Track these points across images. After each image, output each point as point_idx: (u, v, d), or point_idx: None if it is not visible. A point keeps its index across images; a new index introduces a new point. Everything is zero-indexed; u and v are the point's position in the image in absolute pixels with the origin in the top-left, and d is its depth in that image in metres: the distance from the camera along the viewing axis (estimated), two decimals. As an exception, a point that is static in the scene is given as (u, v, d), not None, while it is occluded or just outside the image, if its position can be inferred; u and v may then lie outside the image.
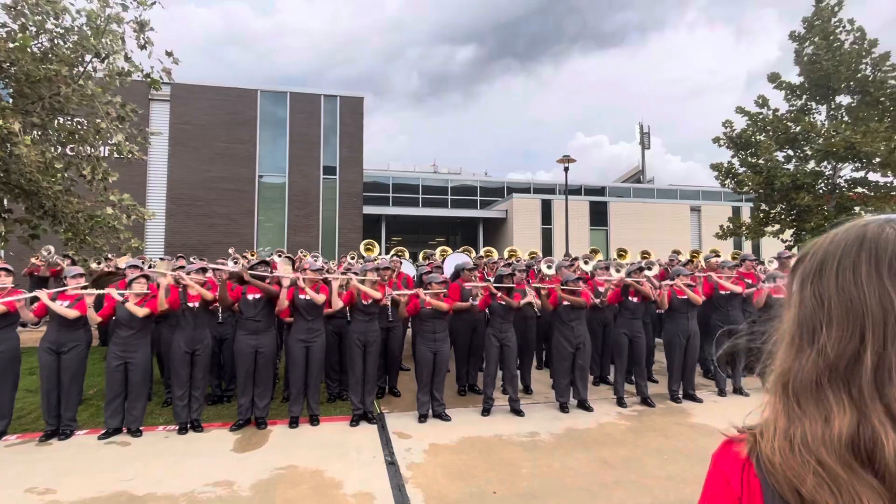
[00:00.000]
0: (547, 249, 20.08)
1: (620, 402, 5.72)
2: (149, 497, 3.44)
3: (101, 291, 4.73)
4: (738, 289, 6.31)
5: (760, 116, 12.47)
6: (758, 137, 12.27)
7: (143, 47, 7.29)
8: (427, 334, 5.20)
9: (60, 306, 4.53)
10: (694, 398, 5.92)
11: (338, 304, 5.07)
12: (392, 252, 9.48)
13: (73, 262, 8.08)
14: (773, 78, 12.54)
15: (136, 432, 4.63)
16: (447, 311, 5.26)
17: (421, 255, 9.93)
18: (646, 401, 5.77)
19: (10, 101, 6.92)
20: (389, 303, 5.50)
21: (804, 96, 12.25)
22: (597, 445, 4.51)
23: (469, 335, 6.19)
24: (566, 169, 16.80)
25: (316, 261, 7.78)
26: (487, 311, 5.64)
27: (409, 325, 6.55)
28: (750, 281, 6.56)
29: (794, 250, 11.93)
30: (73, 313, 4.54)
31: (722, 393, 6.17)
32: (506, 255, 10.47)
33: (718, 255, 8.13)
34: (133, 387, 4.63)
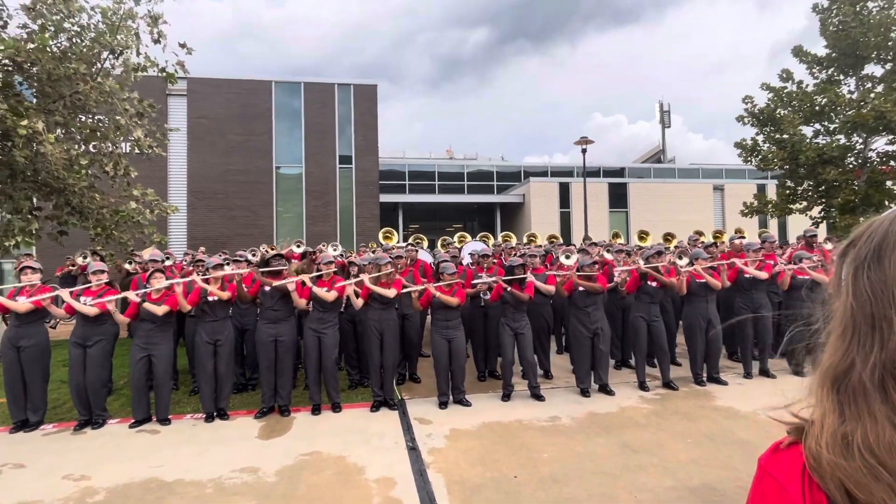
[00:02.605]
0: (566, 233, 19.86)
1: (642, 386, 5.66)
2: (178, 483, 3.54)
3: (120, 296, 4.82)
4: (763, 275, 6.13)
5: (785, 91, 12.02)
6: (781, 112, 11.84)
7: (157, 41, 7.35)
8: (440, 322, 5.20)
9: (82, 304, 4.66)
10: (718, 381, 5.82)
11: (358, 304, 5.11)
12: (410, 240, 9.48)
13: (101, 259, 8.29)
14: (798, 51, 12.05)
15: (164, 421, 4.76)
16: (459, 304, 5.24)
17: (439, 243, 9.91)
18: (668, 384, 5.70)
19: (34, 100, 7.07)
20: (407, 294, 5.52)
21: (831, 68, 11.75)
22: (619, 429, 4.48)
23: (481, 321, 6.18)
24: (584, 151, 16.52)
25: (335, 251, 7.84)
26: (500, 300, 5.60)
27: (429, 311, 6.57)
28: (771, 262, 6.39)
29: (822, 227, 11.56)
30: (92, 311, 4.65)
31: (748, 375, 6.05)
32: (524, 239, 10.39)
33: (744, 237, 7.89)
34: (158, 378, 4.76)
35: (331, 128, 17.98)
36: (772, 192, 16.05)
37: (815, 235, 7.03)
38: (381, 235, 9.98)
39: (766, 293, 6.36)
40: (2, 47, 5.98)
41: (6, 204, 7.50)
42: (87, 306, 4.65)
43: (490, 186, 25.23)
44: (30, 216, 7.55)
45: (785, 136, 11.74)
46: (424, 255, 7.85)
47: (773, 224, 20.95)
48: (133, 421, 4.74)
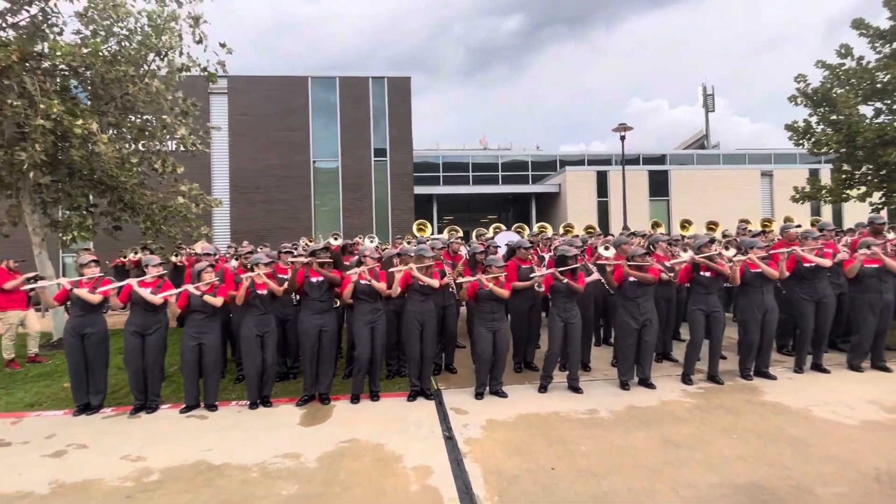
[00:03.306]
0: (603, 223, 19.44)
1: (686, 380, 5.49)
2: (225, 466, 3.69)
3: (178, 291, 5.03)
4: (826, 262, 5.78)
5: (843, 68, 11.26)
6: (837, 91, 11.11)
7: (199, 42, 7.60)
8: (485, 314, 5.17)
9: (147, 293, 4.92)
10: (767, 375, 5.58)
11: (396, 291, 5.16)
12: (448, 231, 9.48)
13: (152, 252, 8.72)
14: (858, 24, 11.24)
15: (211, 407, 4.97)
16: (507, 296, 5.20)
17: (474, 234, 9.88)
18: (714, 378, 5.51)
19: (88, 102, 7.46)
20: (454, 285, 5.52)
21: (894, 42, 10.91)
22: (660, 423, 4.37)
23: (526, 313, 6.12)
24: (622, 138, 16.07)
25: (373, 242, 7.93)
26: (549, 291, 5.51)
27: (464, 302, 6.57)
28: (832, 251, 6.03)
29: (883, 213, 10.83)
30: (158, 300, 4.91)
31: (799, 370, 5.76)
32: (561, 230, 10.22)
33: (799, 225, 7.47)
34: (207, 366, 4.96)
35: (366, 121, 18.18)
36: (826, 178, 15.17)
37: (885, 223, 6.56)
38: (414, 227, 10.03)
39: (829, 283, 5.96)
40: (59, 53, 6.32)
41: (65, 201, 7.99)
42: (152, 296, 4.91)
43: (525, 176, 24.95)
44: (86, 212, 8.01)
45: (841, 116, 11.02)
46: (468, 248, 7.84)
47: (826, 211, 19.83)
48: (183, 406, 4.97)
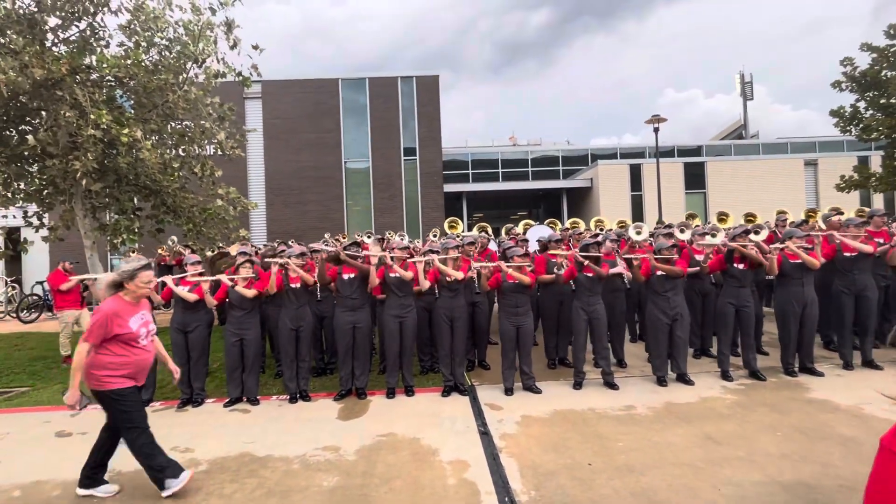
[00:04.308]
0: (637, 217, 19.02)
1: (725, 376, 5.35)
2: (268, 458, 3.83)
3: (214, 278, 5.26)
4: (867, 248, 5.49)
5: (892, 49, 10.69)
6: (887, 74, 10.55)
7: (233, 47, 7.84)
8: (509, 308, 5.18)
9: (183, 291, 5.12)
10: (813, 371, 5.37)
11: (425, 284, 5.20)
12: (475, 229, 9.50)
13: (192, 251, 9.07)
14: (910, 1, 10.64)
15: (254, 401, 5.16)
16: (529, 285, 5.18)
17: (504, 230, 9.85)
18: (755, 374, 5.34)
19: (132, 111, 7.80)
20: (476, 275, 5.50)
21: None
22: (699, 420, 4.28)
23: (556, 308, 6.08)
24: (656, 130, 15.68)
25: (403, 240, 8.03)
26: (573, 283, 5.48)
27: (496, 299, 6.58)
28: (882, 240, 5.72)
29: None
30: (192, 297, 5.11)
31: (847, 366, 5.52)
32: (592, 225, 10.08)
33: (842, 213, 7.15)
34: (248, 361, 5.15)
35: (395, 121, 18.34)
36: (876, 165, 14.40)
37: None
38: (446, 225, 10.08)
39: (872, 274, 5.69)
40: (106, 65, 6.64)
41: (113, 206, 8.39)
42: (188, 292, 5.12)
43: (556, 172, 24.65)
44: (133, 216, 8.39)
45: (893, 100, 10.47)
46: (490, 245, 7.86)
47: (877, 200, 18.82)
48: (227, 400, 5.17)
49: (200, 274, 5.39)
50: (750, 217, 9.51)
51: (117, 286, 3.37)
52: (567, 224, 10.48)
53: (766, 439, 3.84)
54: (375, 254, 5.19)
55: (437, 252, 5.40)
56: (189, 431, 4.47)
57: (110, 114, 6.55)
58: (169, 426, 4.64)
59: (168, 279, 5.16)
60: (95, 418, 4.90)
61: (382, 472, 3.54)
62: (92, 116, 6.28)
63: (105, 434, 3.41)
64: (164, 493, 3.26)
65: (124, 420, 3.26)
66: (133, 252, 8.35)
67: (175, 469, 3.31)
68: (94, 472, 3.39)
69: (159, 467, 3.27)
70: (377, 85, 18.39)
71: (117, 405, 3.24)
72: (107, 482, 3.44)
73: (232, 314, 5.19)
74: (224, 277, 5.21)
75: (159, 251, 12.18)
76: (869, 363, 5.53)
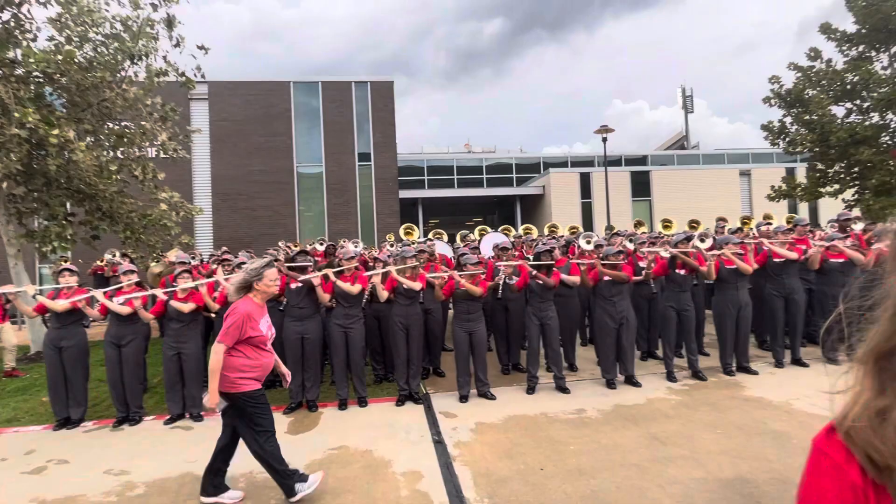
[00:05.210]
0: (587, 224, 19.62)
1: (670, 377, 5.58)
2: (212, 477, 3.63)
3: (149, 293, 4.98)
4: (793, 255, 5.94)
5: (813, 70, 11.60)
6: (810, 92, 11.44)
7: (176, 45, 7.51)
8: (461, 315, 5.20)
9: (116, 304, 4.82)
10: (748, 370, 5.70)
11: (383, 295, 5.14)
12: (430, 234, 9.50)
13: (132, 261, 8.57)
14: (825, 28, 11.60)
15: (197, 417, 4.90)
16: (481, 295, 5.21)
17: (458, 237, 9.91)
18: (697, 374, 5.60)
19: (64, 110, 7.31)
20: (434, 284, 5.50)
21: (861, 45, 11.27)
22: (646, 421, 4.43)
23: (502, 314, 6.15)
24: (604, 139, 16.26)
25: (356, 247, 7.91)
26: (525, 290, 5.56)
27: (451, 305, 6.58)
28: (804, 247, 6.18)
29: (855, 211, 11.15)
30: (125, 310, 4.81)
31: (779, 364, 5.89)
32: (546, 231, 10.30)
33: (771, 223, 7.68)
34: (188, 375, 4.89)
35: (349, 126, 18.10)
36: (801, 176, 15.55)
37: (850, 219, 6.76)
38: (401, 231, 10.02)
39: (798, 278, 6.13)
40: (33, 60, 6.19)
41: (42, 211, 7.81)
42: (119, 305, 4.81)
43: (509, 179, 25.08)
44: (64, 222, 7.84)
45: (814, 116, 11.35)
46: (444, 249, 7.86)
47: (803, 209, 20.30)
48: (167, 417, 4.89)
49: (138, 284, 5.10)
50: (694, 224, 10.02)
51: (247, 287, 3.26)
52: (521, 230, 10.67)
53: (707, 437, 4.02)
54: (314, 275, 5.00)
55: (388, 259, 5.36)
56: (125, 452, 4.19)
57: (38, 112, 6.10)
58: (102, 447, 4.33)
59: (99, 293, 4.85)
60: (19, 443, 4.51)
61: (333, 486, 3.44)
62: (16, 115, 5.83)
63: (226, 438, 3.30)
64: (293, 499, 3.18)
65: (254, 423, 3.16)
66: (66, 261, 7.79)
67: (301, 473, 3.25)
68: (215, 479, 3.28)
69: (290, 473, 3.19)
70: (331, 89, 18.10)
71: (249, 407, 3.15)
72: (229, 487, 3.33)
73: (170, 326, 4.92)
74: (158, 292, 4.94)
75: (98, 263, 11.38)
76: (797, 361, 5.93)
